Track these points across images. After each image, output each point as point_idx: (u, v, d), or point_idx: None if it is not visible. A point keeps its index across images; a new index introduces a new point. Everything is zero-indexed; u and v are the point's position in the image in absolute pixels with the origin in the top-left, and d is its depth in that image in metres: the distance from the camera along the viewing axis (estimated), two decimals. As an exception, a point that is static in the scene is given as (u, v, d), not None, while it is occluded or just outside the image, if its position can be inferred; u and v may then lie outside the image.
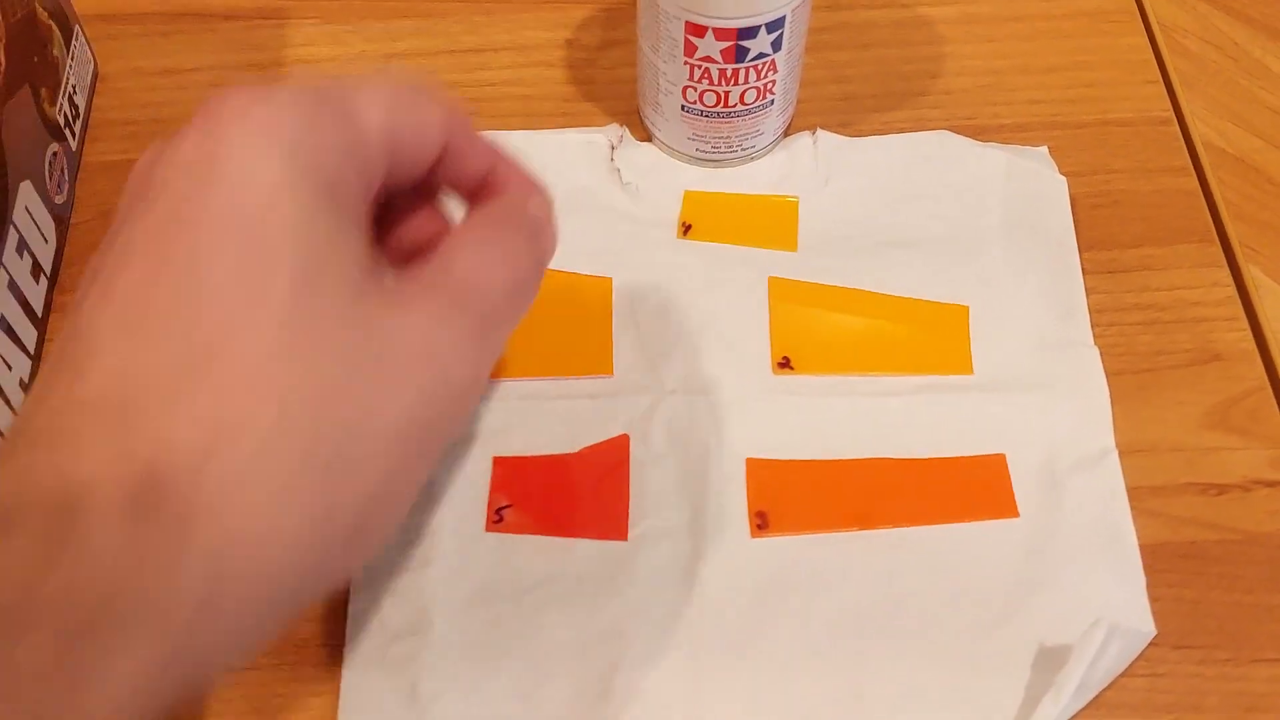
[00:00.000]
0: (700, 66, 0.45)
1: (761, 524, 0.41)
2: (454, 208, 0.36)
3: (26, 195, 0.44)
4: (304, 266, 0.27)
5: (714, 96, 0.46)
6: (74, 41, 0.49)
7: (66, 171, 0.48)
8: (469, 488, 0.42)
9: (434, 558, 0.41)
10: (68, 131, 0.48)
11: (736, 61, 0.45)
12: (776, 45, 0.45)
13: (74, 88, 0.49)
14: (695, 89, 0.46)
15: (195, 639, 0.25)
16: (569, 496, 0.42)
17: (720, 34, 0.43)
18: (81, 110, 0.50)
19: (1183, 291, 0.47)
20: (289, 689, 0.39)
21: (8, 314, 0.42)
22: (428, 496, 0.42)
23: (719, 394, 0.44)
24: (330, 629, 0.40)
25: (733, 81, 0.46)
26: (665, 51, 0.45)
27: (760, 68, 0.45)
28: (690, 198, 0.49)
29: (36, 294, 0.45)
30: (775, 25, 0.44)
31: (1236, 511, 0.42)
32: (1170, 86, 0.53)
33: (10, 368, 0.42)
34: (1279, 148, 0.51)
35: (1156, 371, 0.45)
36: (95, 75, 0.52)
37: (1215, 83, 0.53)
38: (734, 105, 0.47)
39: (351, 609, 0.40)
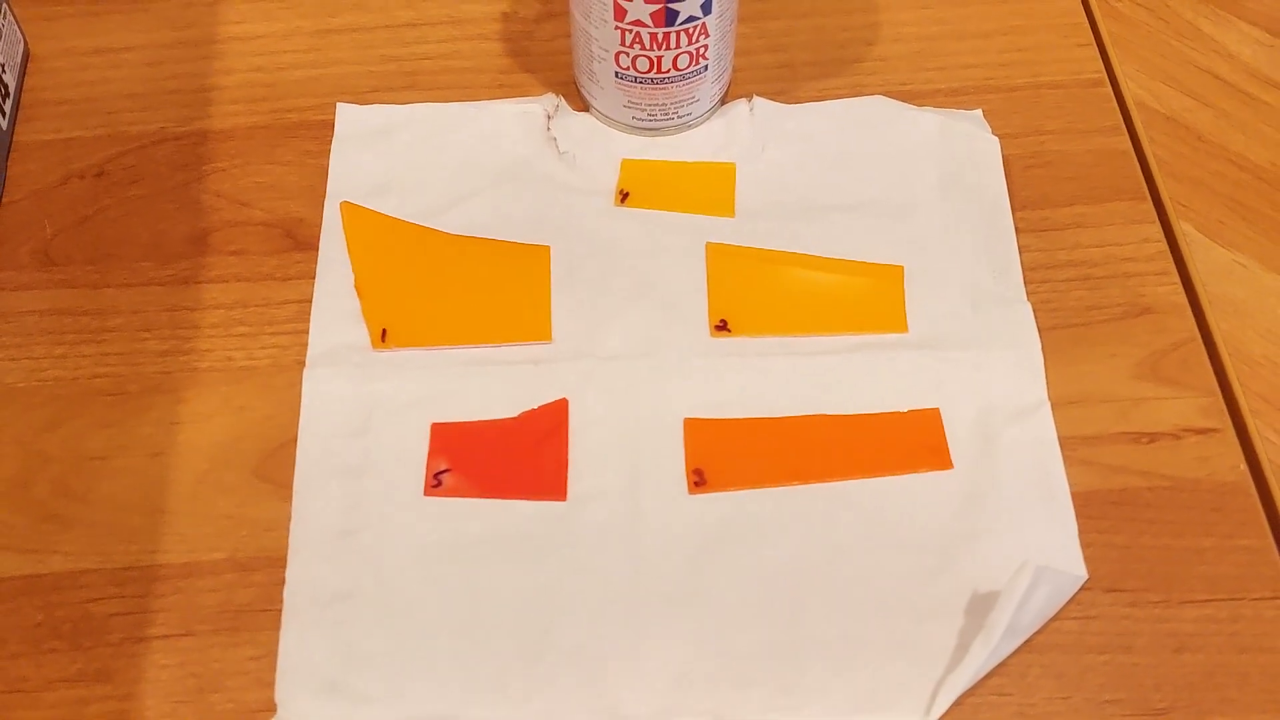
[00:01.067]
0: (631, 31, 0.45)
1: (699, 481, 0.42)
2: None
3: (-45, 172, 0.44)
4: None
5: (647, 62, 0.46)
6: (2, 20, 0.49)
7: (-3, 150, 0.48)
8: (406, 453, 0.42)
9: (369, 522, 0.41)
10: (-2, 110, 0.48)
11: (667, 25, 0.45)
12: (707, 8, 0.45)
13: (2, 65, 0.49)
14: (628, 54, 0.46)
15: None
16: (508, 459, 0.42)
17: (648, -3, 0.44)
18: (12, 89, 0.50)
19: (1114, 248, 0.48)
20: (227, 654, 0.39)
21: (-63, 291, 0.42)
22: (363, 463, 0.42)
23: (657, 358, 0.44)
24: (267, 594, 0.40)
25: (664, 46, 0.46)
26: (596, 16, 0.45)
27: (691, 32, 0.45)
28: (628, 165, 0.49)
29: (-33, 271, 0.45)
30: (704, -12, 0.44)
31: (1167, 459, 0.42)
32: (1103, 48, 0.53)
33: (-59, 345, 0.42)
34: (1210, 106, 0.52)
35: (1089, 325, 0.46)
36: (26, 55, 0.51)
37: (1147, 44, 0.54)
38: (667, 71, 0.47)
39: (288, 574, 0.40)
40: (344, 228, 0.47)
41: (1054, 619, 0.39)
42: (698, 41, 0.46)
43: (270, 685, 0.38)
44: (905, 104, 0.50)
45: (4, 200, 0.48)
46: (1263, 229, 0.48)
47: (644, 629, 0.39)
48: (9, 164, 0.49)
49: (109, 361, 0.44)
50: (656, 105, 0.48)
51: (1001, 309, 0.45)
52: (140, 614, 0.39)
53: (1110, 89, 0.52)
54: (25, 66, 0.51)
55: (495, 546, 0.41)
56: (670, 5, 0.44)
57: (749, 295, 0.46)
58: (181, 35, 0.52)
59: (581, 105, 0.51)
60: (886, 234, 0.47)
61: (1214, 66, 0.53)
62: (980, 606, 0.39)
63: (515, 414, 0.43)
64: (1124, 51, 0.53)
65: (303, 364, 0.44)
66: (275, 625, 0.39)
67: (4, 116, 0.49)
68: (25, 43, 0.51)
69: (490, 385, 0.44)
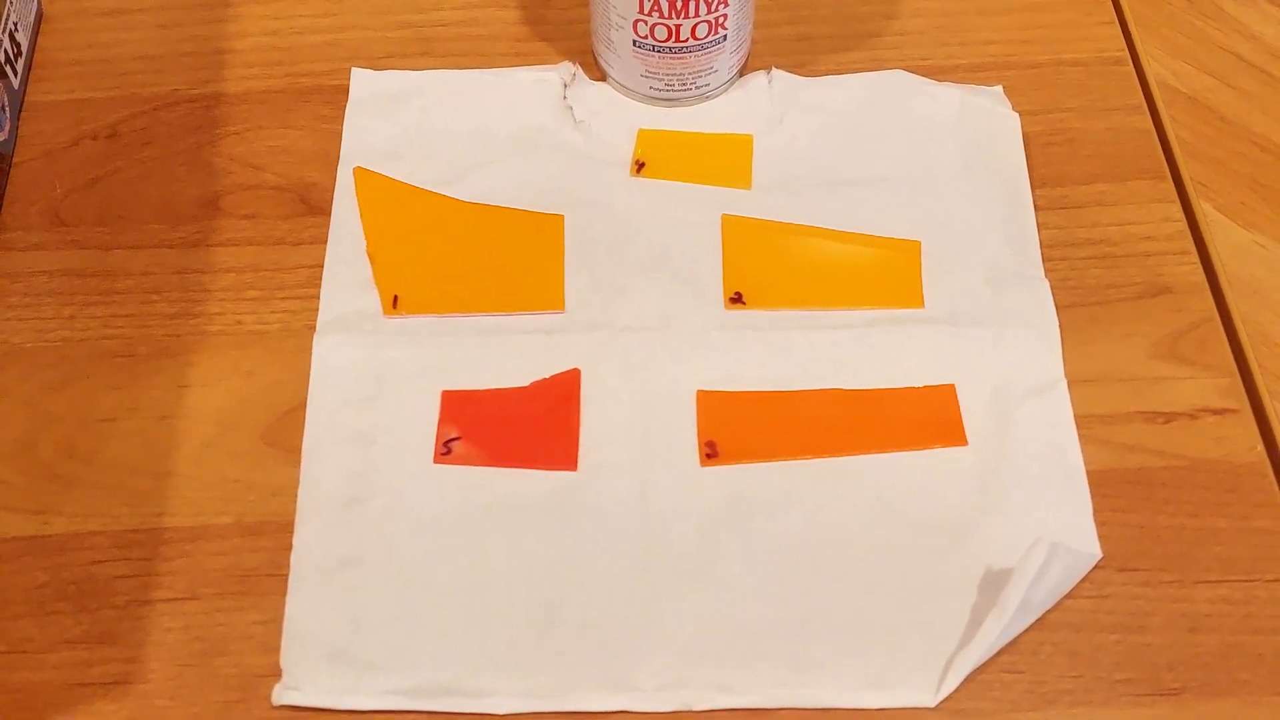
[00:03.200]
0: (650, -1, 0.45)
1: (711, 453, 0.41)
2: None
3: (-34, 130, 0.43)
4: None
5: (665, 30, 0.46)
6: (15, -22, 0.49)
7: (8, 109, 0.47)
8: (417, 421, 0.42)
9: (378, 489, 0.41)
10: (8, 69, 0.48)
11: (686, -7, 0.44)
12: (726, -23, 0.44)
13: (15, 24, 0.48)
14: (646, 22, 0.46)
15: None
16: (519, 429, 0.42)
17: (668, -37, 0.43)
18: (24, 48, 0.49)
19: (1134, 226, 0.47)
20: (232, 619, 0.39)
21: (-54, 248, 0.42)
22: (372, 430, 0.42)
23: (671, 329, 0.44)
24: (274, 559, 0.39)
25: (684, 14, 0.45)
26: (614, -16, 0.45)
27: (711, 1, 0.45)
28: (644, 135, 0.49)
29: (-23, 230, 0.44)
30: (724, -44, 0.43)
31: (1183, 439, 0.42)
32: (1125, 26, 0.53)
33: (-51, 303, 0.41)
34: (1232, 87, 0.51)
35: (1107, 304, 0.45)
36: (39, 15, 0.51)
37: (1170, 24, 0.53)
38: (686, 40, 0.46)
39: (296, 540, 0.40)
40: (357, 193, 0.47)
41: (1067, 597, 0.39)
42: (717, 11, 0.45)
43: (276, 650, 0.38)
44: (925, 79, 0.50)
45: (15, 160, 0.48)
46: (1284, 211, 0.48)
47: (654, 601, 0.39)
48: (20, 123, 0.49)
49: (118, 323, 0.44)
50: (674, 75, 0.48)
51: (1019, 286, 0.45)
52: (145, 576, 0.39)
53: (1132, 67, 0.51)
54: (38, 26, 0.51)
55: (505, 516, 0.40)
56: (690, -28, 0.44)
57: (764, 268, 0.45)
58: (195, -2, 0.52)
59: (598, 74, 0.50)
60: (904, 209, 0.47)
61: (1236, 47, 0.52)
62: (993, 583, 0.39)
63: (527, 383, 0.43)
64: (1146, 30, 0.53)
65: (313, 329, 0.44)
66: (281, 591, 0.39)
67: (16, 76, 0.48)
68: (39, 2, 0.51)
69: (502, 354, 0.43)
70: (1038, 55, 0.51)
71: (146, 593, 0.39)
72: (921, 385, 0.43)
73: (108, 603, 0.39)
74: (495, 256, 0.46)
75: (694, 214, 0.47)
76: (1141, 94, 0.51)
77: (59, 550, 0.40)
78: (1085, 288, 0.45)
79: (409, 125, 0.49)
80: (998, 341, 0.44)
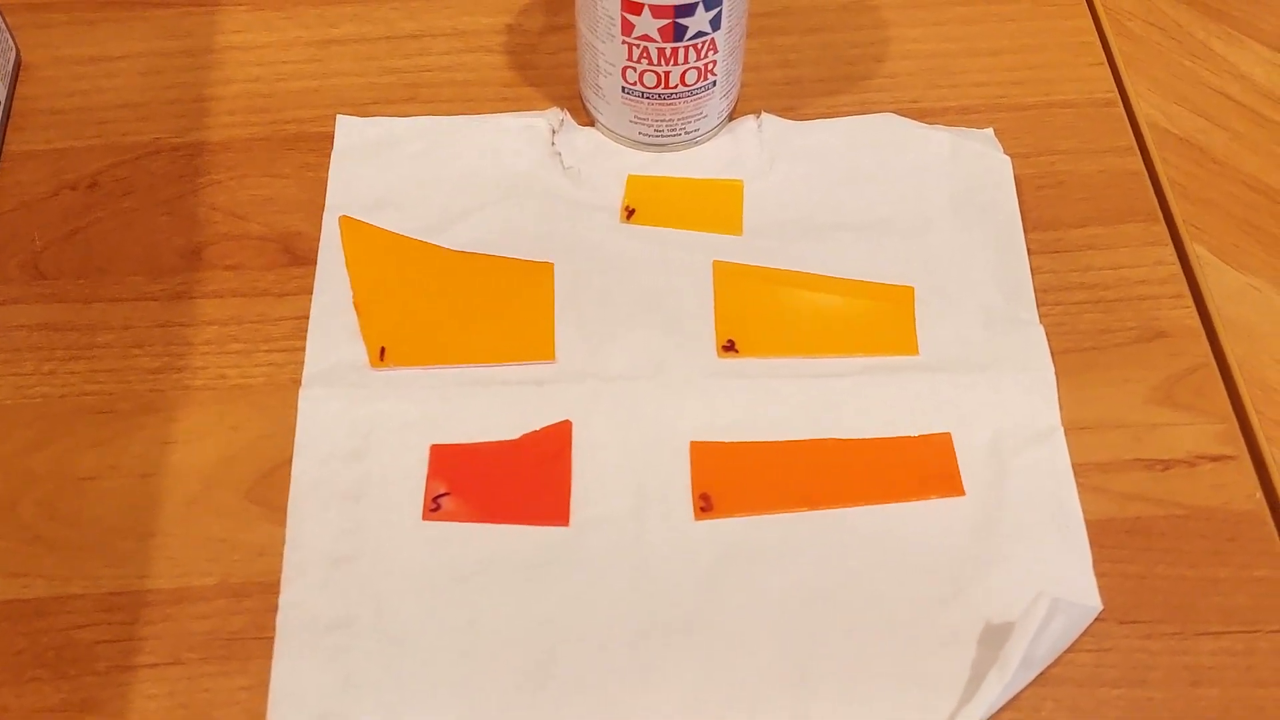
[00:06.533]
0: (638, 45, 0.44)
1: (705, 506, 0.41)
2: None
3: (-56, 183, 0.42)
4: None
5: (654, 77, 0.46)
6: (-5, 27, 0.48)
7: (-13, 159, 0.47)
8: (405, 476, 0.41)
9: (366, 547, 0.40)
10: (-12, 118, 0.47)
11: (675, 40, 0.44)
12: (715, 23, 0.44)
13: (-5, 74, 0.48)
14: (635, 69, 0.45)
15: None
16: (510, 483, 0.41)
17: (657, 11, 0.43)
18: (2, 98, 0.49)
19: (1127, 270, 0.47)
20: (217, 683, 0.38)
21: (-77, 304, 0.41)
22: (360, 486, 0.41)
23: (663, 378, 0.43)
24: (260, 621, 0.38)
25: (672, 61, 0.45)
26: (603, 31, 0.45)
27: (700, 47, 0.45)
28: (634, 181, 0.48)
29: (-46, 284, 0.43)
30: (713, 3, 0.43)
31: (1182, 486, 0.42)
32: (1115, 68, 0.53)
33: (-74, 360, 0.41)
34: (1222, 128, 0.51)
35: (1102, 349, 0.45)
36: (18, 64, 0.50)
37: (1159, 64, 0.53)
38: (675, 86, 0.46)
39: (282, 601, 0.39)
40: (343, 242, 0.46)
41: (1068, 651, 0.38)
42: (706, 57, 0.45)
43: (262, 717, 0.37)
44: (916, 122, 0.50)
45: (-7, 211, 0.47)
46: (1276, 252, 0.48)
47: (649, 658, 0.38)
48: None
49: (99, 379, 0.43)
50: (663, 121, 0.47)
51: (1014, 331, 0.45)
52: (128, 641, 0.38)
53: (1122, 109, 0.51)
54: (16, 75, 0.50)
55: (496, 573, 0.39)
56: (679, 20, 0.43)
57: (757, 315, 0.45)
58: (178, 44, 0.51)
59: (587, 120, 0.50)
60: (897, 254, 0.46)
61: (1226, 87, 0.52)
62: (993, 637, 0.38)
63: (517, 436, 0.42)
64: (1136, 71, 0.53)
65: (299, 382, 0.43)
66: (268, 654, 0.38)
67: (-5, 125, 0.48)
68: (17, 51, 0.50)
69: (492, 406, 0.43)
70: (1028, 97, 0.51)
71: (128, 658, 0.38)
72: (918, 434, 0.42)
73: (89, 669, 0.38)
74: (484, 306, 0.45)
75: (685, 260, 0.46)
76: (1132, 135, 0.50)
77: (38, 614, 0.39)
78: (1080, 333, 0.45)
79: (395, 172, 0.48)
80: (993, 388, 0.43)
